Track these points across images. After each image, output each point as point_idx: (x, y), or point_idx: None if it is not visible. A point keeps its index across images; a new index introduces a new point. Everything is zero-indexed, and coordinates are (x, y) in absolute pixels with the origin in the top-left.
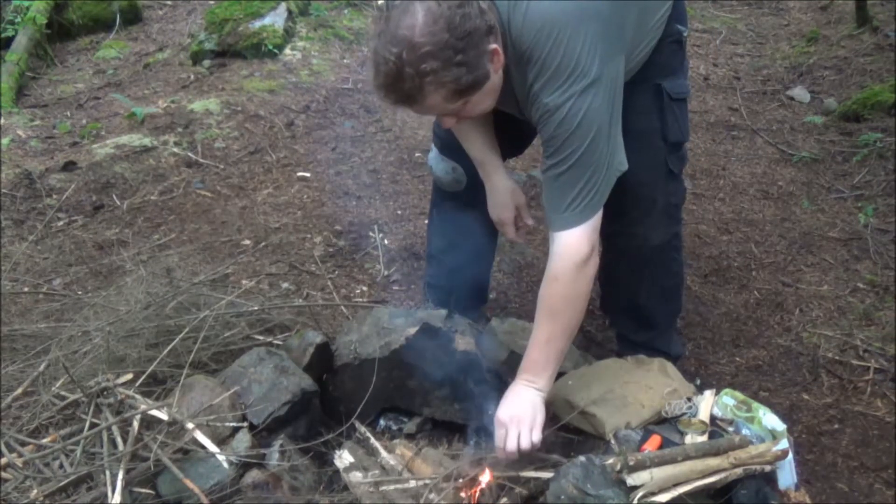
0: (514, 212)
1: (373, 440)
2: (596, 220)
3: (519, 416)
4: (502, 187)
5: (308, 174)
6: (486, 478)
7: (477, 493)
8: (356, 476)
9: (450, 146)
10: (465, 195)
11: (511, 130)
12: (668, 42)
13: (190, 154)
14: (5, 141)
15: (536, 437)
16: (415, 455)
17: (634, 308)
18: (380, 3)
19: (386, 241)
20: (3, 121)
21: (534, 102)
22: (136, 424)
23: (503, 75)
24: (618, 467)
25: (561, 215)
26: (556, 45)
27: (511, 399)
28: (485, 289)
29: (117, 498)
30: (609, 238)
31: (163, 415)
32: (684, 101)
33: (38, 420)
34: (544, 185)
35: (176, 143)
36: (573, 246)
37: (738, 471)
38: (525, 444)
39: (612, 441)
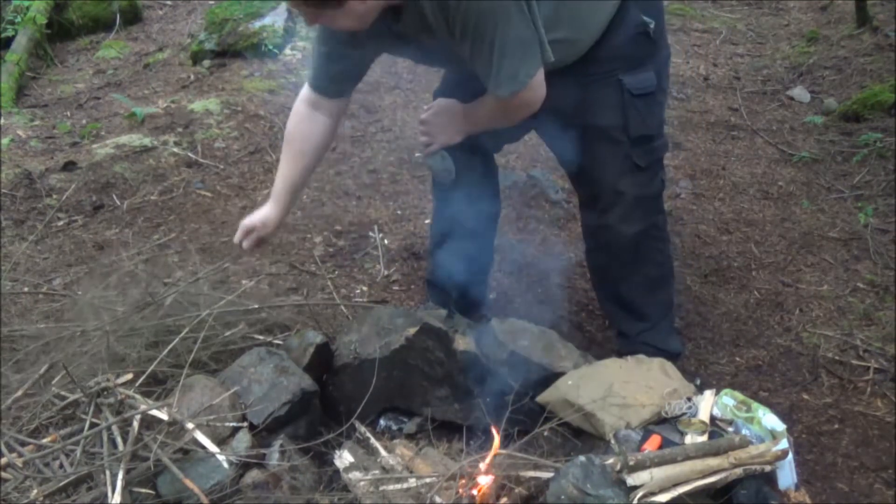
0: (250, 229)
1: (373, 440)
2: (531, 88)
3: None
4: (264, 212)
5: None
6: (486, 479)
7: (477, 494)
8: (356, 476)
9: None
10: (464, 193)
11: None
12: (631, 33)
13: (190, 154)
14: (5, 141)
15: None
16: (415, 455)
17: (620, 299)
18: None
19: (386, 241)
20: (3, 121)
21: (446, 16)
22: (136, 424)
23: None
24: (618, 467)
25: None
26: None
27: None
28: (483, 289)
29: (117, 498)
30: (587, 229)
31: (163, 415)
32: (650, 95)
33: (38, 420)
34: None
35: (176, 143)
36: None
37: (738, 471)
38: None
39: (612, 441)
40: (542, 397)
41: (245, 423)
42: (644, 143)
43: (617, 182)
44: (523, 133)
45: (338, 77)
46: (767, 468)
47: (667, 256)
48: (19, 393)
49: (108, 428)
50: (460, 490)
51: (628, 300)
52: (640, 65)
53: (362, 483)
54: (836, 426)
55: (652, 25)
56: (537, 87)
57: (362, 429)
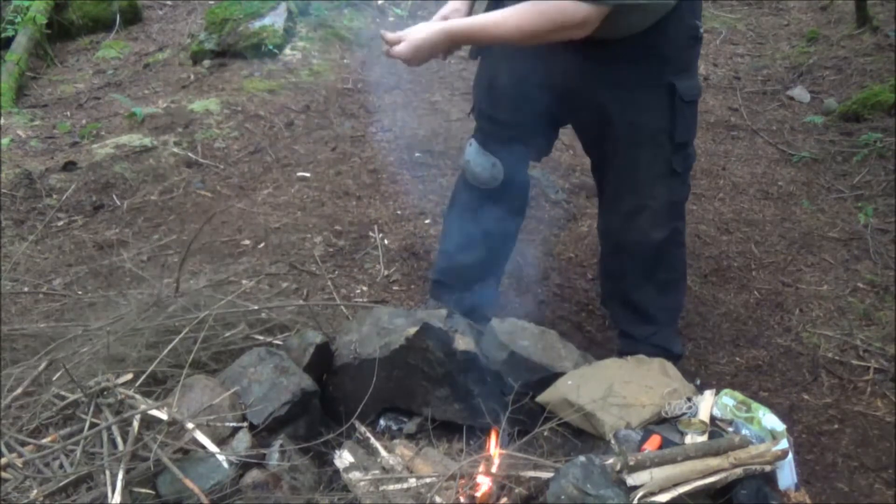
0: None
1: (373, 440)
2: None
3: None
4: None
5: (308, 174)
6: (485, 479)
7: (477, 494)
8: (356, 476)
9: (494, 139)
10: (494, 197)
11: (543, 127)
12: (684, 36)
13: (190, 154)
14: (5, 141)
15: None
16: (415, 455)
17: (633, 302)
18: (380, 2)
19: (386, 241)
20: (3, 121)
21: None
22: (136, 424)
23: None
24: (618, 467)
25: None
26: None
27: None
28: (493, 292)
29: (117, 498)
30: (609, 232)
31: (163, 415)
32: (695, 102)
33: (38, 420)
34: None
35: (176, 143)
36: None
37: (738, 471)
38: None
39: (612, 441)
40: (542, 397)
41: (245, 423)
42: (683, 149)
43: (653, 186)
44: (555, 137)
45: None
46: (767, 468)
47: (682, 262)
48: (19, 391)
49: (108, 428)
50: (460, 490)
51: (639, 304)
52: (689, 69)
53: (362, 483)
54: (836, 426)
55: (701, 30)
56: (599, 17)
57: (362, 429)
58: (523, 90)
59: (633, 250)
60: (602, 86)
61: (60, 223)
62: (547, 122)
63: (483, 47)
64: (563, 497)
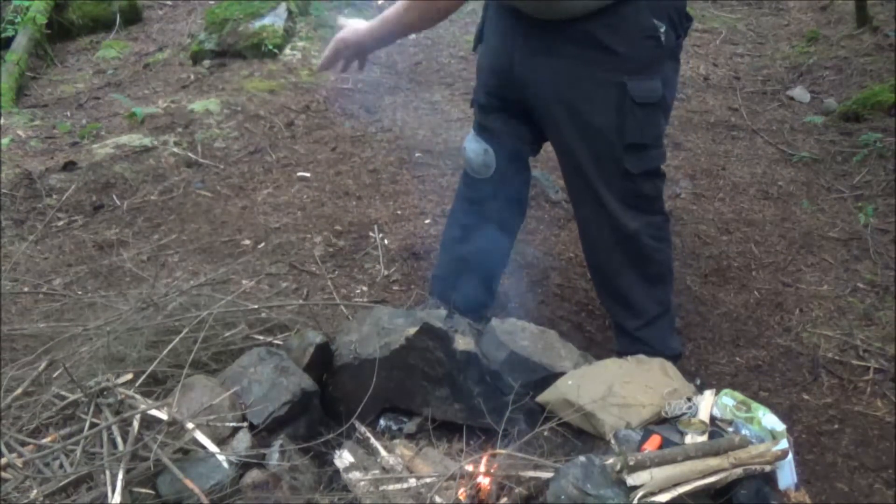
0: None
1: (373, 440)
2: None
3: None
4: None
5: (308, 174)
6: (485, 479)
7: (477, 494)
8: (356, 476)
9: (486, 128)
10: (491, 189)
11: (528, 127)
12: (639, 35)
13: (190, 154)
14: (5, 141)
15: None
16: (415, 455)
17: (618, 294)
18: (380, 3)
19: (386, 241)
20: (3, 121)
21: None
22: (136, 424)
23: None
24: (618, 467)
25: None
26: None
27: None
28: (492, 289)
29: (117, 498)
30: (580, 224)
31: (163, 415)
32: (653, 105)
33: (38, 420)
34: None
35: (176, 143)
36: None
37: (738, 471)
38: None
39: (612, 441)
40: (542, 397)
41: (245, 423)
42: (637, 151)
43: (606, 184)
44: (539, 132)
45: None
46: (767, 468)
47: (666, 256)
48: (19, 391)
49: (108, 428)
50: (460, 490)
51: (624, 296)
52: (646, 71)
53: (362, 483)
54: (836, 426)
55: (662, 30)
56: None
57: (362, 429)
58: (488, 78)
59: (606, 241)
60: (553, 77)
61: (60, 223)
62: (515, 112)
63: (478, 41)
64: (563, 497)
